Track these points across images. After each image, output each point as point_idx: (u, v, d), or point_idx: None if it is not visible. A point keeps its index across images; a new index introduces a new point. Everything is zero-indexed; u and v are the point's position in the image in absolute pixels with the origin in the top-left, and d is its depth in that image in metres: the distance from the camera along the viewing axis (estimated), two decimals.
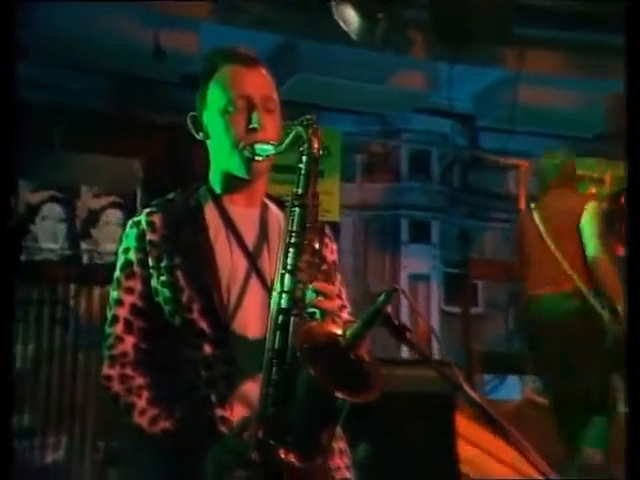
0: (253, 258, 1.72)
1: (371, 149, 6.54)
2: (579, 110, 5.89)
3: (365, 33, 4.67)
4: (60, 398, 4.18)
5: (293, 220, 1.60)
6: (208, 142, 1.80)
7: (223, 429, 1.60)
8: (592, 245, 3.81)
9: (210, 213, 1.76)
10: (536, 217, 4.02)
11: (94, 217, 5.14)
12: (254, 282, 1.71)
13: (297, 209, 1.61)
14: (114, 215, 5.17)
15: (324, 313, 1.55)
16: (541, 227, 3.97)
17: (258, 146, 1.68)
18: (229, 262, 1.71)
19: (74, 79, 5.28)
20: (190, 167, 4.10)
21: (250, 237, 1.76)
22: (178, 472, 1.62)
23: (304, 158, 1.62)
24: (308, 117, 1.63)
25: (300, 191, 1.62)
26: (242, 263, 1.72)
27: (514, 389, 5.59)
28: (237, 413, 1.63)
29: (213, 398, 1.63)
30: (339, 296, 1.75)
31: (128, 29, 4.81)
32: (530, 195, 5.71)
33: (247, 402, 1.63)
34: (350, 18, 4.60)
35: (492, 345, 6.06)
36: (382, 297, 1.46)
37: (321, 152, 1.61)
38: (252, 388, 1.62)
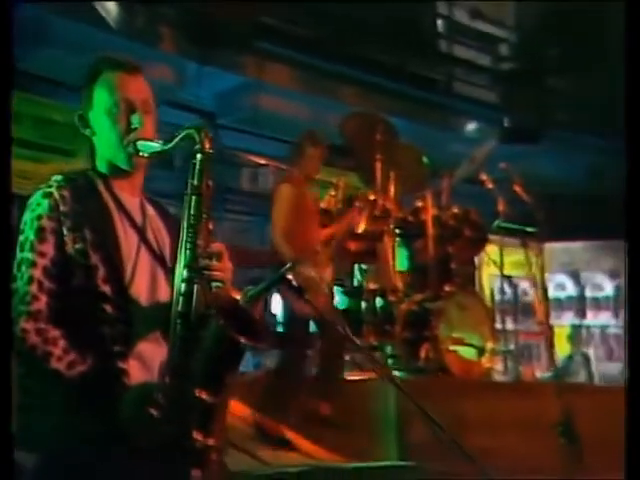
0: (143, 236, 2.02)
1: None
2: (314, 123, 6.45)
3: (123, 22, 4.92)
4: None
5: (191, 206, 1.92)
6: (94, 138, 2.07)
7: (125, 380, 1.87)
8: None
9: (104, 193, 2.03)
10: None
11: None
12: (144, 256, 2.00)
13: (194, 197, 1.93)
14: None
15: (218, 278, 1.90)
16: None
17: (140, 143, 1.98)
18: (124, 236, 1.98)
19: None
20: None
21: (136, 218, 2.04)
22: (92, 414, 1.84)
23: (198, 156, 1.94)
24: (198, 122, 2.01)
25: (196, 183, 1.94)
26: (133, 239, 2.00)
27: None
28: (134, 367, 1.90)
29: (115, 353, 1.89)
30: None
31: None
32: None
33: (142, 358, 1.92)
34: (110, 7, 4.83)
35: None
36: (287, 266, 1.95)
37: (212, 151, 1.94)
38: (146, 347, 1.93)
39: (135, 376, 1.89)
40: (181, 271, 1.90)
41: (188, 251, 1.90)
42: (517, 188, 5.23)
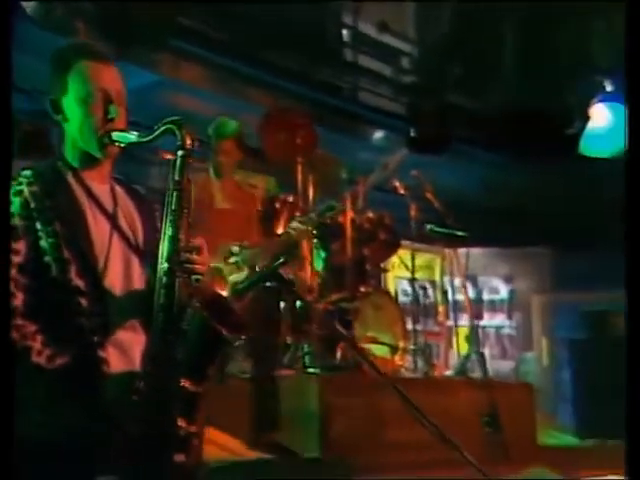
0: (114, 224, 2.04)
1: (23, 127, 6.52)
2: None
3: (40, 13, 4.81)
4: None
5: (172, 201, 1.97)
6: (65, 124, 2.09)
7: (105, 369, 1.91)
8: None
9: (73, 185, 2.04)
10: None
11: None
12: (117, 245, 2.03)
13: (175, 192, 1.98)
14: None
15: (199, 272, 1.97)
16: None
17: (115, 134, 2.03)
18: (95, 228, 2.01)
19: None
20: None
21: (107, 206, 2.07)
22: (74, 404, 1.87)
23: (180, 152, 1.99)
24: (177, 118, 2.00)
25: (177, 178, 1.98)
26: (105, 229, 2.03)
27: None
28: (114, 355, 1.94)
29: (94, 343, 1.92)
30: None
31: None
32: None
33: (121, 346, 1.97)
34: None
35: None
36: (280, 261, 2.07)
37: (193, 147, 1.99)
38: (124, 335, 1.98)
39: (115, 364, 1.95)
40: (163, 264, 1.96)
41: (169, 245, 1.96)
42: (428, 195, 5.50)
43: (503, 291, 7.21)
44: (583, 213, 6.68)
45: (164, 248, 1.97)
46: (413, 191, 5.52)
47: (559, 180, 6.59)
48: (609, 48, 5.96)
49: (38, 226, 1.94)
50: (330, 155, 5.43)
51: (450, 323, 6.57)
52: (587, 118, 6.32)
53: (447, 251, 6.24)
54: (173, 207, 1.99)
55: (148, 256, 2.08)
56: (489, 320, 7.00)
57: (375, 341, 5.11)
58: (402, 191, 5.55)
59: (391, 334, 5.17)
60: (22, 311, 1.90)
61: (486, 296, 6.92)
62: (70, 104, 2.08)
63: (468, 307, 6.07)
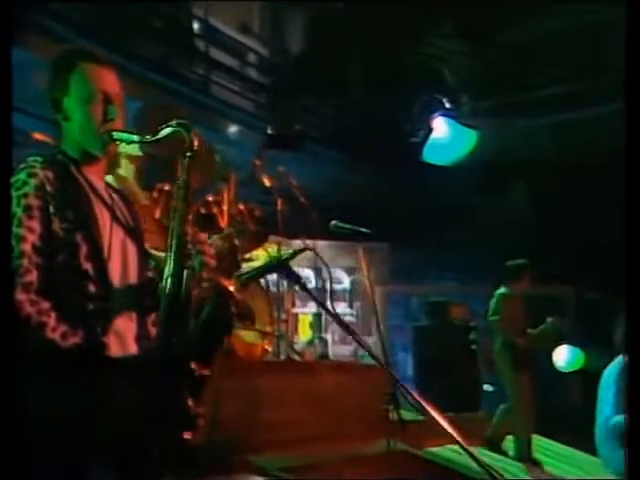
0: (114, 216, 2.14)
1: None
2: None
3: None
4: None
5: (180, 198, 2.11)
6: (65, 123, 2.17)
7: (106, 353, 2.01)
8: None
9: (78, 176, 2.13)
10: None
11: None
12: (116, 235, 2.14)
13: (182, 190, 2.12)
14: None
15: (202, 263, 2.14)
16: None
17: (116, 133, 2.14)
18: (100, 216, 2.10)
19: None
20: None
21: (107, 200, 2.18)
22: (83, 385, 1.96)
23: (188, 153, 2.12)
24: (184, 121, 2.12)
25: (185, 177, 2.12)
26: (107, 220, 2.12)
27: None
28: (113, 342, 2.04)
29: (98, 327, 2.01)
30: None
31: None
32: None
33: (118, 334, 2.07)
34: None
35: None
36: (291, 252, 2.29)
37: (198, 149, 2.12)
38: (121, 323, 2.08)
39: (114, 349, 2.07)
40: (171, 256, 2.10)
41: (177, 238, 2.11)
42: (294, 190, 5.87)
43: (345, 281, 7.82)
44: (419, 212, 7.40)
45: (171, 241, 2.10)
46: (280, 186, 5.85)
47: (400, 182, 7.24)
48: (453, 69, 6.70)
49: (51, 209, 2.03)
50: (207, 144, 5.61)
51: (296, 310, 7.00)
52: (430, 130, 7.03)
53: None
54: (180, 204, 2.13)
55: (142, 250, 2.22)
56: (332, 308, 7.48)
57: (246, 327, 5.39)
58: (269, 185, 5.86)
59: (261, 321, 5.48)
60: (36, 287, 1.96)
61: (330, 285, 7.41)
62: (72, 104, 2.18)
63: (314, 296, 6.50)
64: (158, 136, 2.15)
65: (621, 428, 4.28)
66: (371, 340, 7.50)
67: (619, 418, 4.33)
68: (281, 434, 4.68)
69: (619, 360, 4.42)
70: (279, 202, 5.84)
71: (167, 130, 2.15)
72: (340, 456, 4.77)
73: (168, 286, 2.06)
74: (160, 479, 2.03)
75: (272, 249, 5.96)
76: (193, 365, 2.08)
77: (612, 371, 4.46)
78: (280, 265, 2.37)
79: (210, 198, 5.60)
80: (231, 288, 2.22)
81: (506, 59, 6.63)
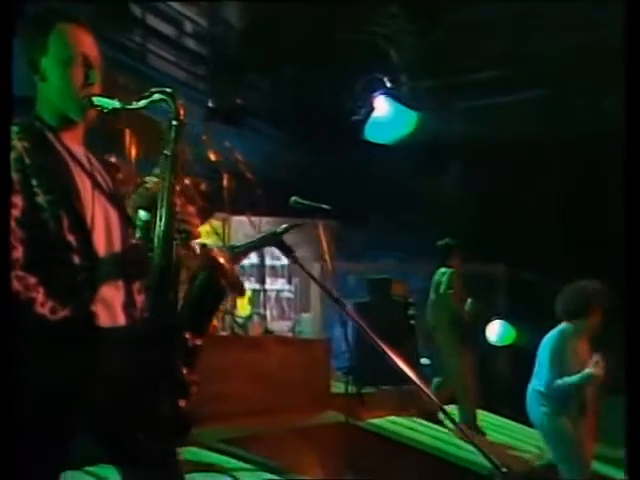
0: (95, 183, 2.07)
1: None
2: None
3: None
4: None
5: (168, 170, 2.07)
6: (42, 84, 2.08)
7: (96, 322, 1.99)
8: None
9: (55, 143, 2.05)
10: None
11: None
12: (98, 202, 2.07)
13: (171, 161, 2.08)
14: None
15: (189, 234, 2.13)
16: None
17: (97, 98, 2.07)
18: (82, 185, 2.04)
19: None
20: None
21: (86, 167, 2.10)
22: (74, 357, 1.94)
23: (174, 122, 2.06)
24: (169, 89, 2.07)
25: (172, 147, 2.07)
26: (88, 188, 2.06)
27: None
28: (102, 310, 2.01)
29: (85, 298, 1.98)
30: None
31: None
32: None
33: (106, 302, 2.04)
34: None
35: None
36: (283, 227, 2.29)
37: (184, 119, 2.06)
38: (108, 291, 2.04)
39: (103, 319, 2.04)
40: (161, 227, 2.07)
41: (166, 210, 2.09)
42: (241, 165, 5.85)
43: (284, 258, 7.80)
44: (360, 191, 7.47)
45: (161, 213, 2.07)
46: (226, 161, 5.83)
47: (343, 160, 7.29)
48: (396, 48, 6.76)
49: (34, 182, 1.96)
50: (151, 117, 5.52)
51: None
52: (372, 108, 7.10)
53: (234, 219, 6.63)
54: (169, 175, 2.10)
55: (124, 216, 2.17)
56: (270, 284, 7.53)
57: None
58: (214, 159, 5.83)
59: None
60: (22, 263, 1.92)
61: (269, 262, 7.43)
62: (50, 65, 2.09)
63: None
64: (141, 103, 2.10)
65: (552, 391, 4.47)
66: (308, 316, 7.58)
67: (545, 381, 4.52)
68: (225, 407, 4.73)
69: (560, 329, 4.61)
70: (225, 177, 5.81)
71: (149, 98, 2.09)
72: (282, 428, 4.85)
73: (159, 257, 2.04)
74: (154, 446, 2.04)
75: (217, 225, 5.94)
76: (186, 335, 2.09)
77: (547, 340, 4.65)
78: (273, 239, 2.38)
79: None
80: (222, 260, 2.21)
81: (448, 40, 6.74)
